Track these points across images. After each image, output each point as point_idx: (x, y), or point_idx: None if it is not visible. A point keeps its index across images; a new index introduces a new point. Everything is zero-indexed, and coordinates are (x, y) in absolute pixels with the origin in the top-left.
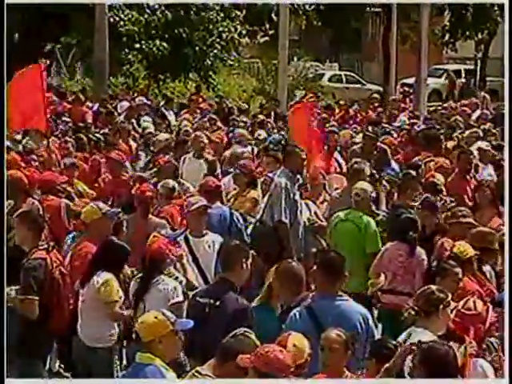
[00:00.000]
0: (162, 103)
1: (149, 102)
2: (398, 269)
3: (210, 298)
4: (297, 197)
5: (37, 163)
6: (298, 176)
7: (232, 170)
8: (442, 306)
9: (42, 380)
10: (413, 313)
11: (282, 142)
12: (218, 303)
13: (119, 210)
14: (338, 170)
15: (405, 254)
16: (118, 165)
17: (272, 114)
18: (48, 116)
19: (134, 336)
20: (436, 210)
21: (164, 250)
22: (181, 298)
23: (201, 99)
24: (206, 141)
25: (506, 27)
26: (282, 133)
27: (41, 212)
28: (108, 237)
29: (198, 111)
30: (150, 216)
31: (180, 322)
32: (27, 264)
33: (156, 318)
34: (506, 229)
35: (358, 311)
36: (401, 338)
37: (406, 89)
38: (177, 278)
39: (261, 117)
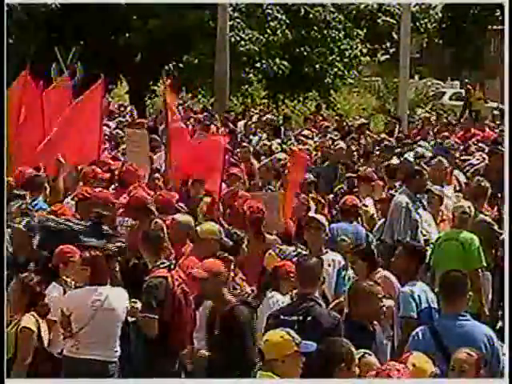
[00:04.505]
0: (280, 122)
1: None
2: None
3: (297, 316)
4: (417, 216)
5: (159, 183)
6: (422, 196)
7: None
8: None
9: (42, 380)
10: None
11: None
12: (309, 319)
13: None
14: (458, 188)
15: None
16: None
17: (395, 132)
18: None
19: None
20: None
21: (284, 270)
22: None
23: (321, 118)
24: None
25: (506, 27)
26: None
27: (165, 231)
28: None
29: (317, 130)
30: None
31: (304, 343)
32: (148, 282)
33: (282, 337)
34: (505, 228)
35: (482, 331)
36: None
37: None
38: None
39: (382, 135)
